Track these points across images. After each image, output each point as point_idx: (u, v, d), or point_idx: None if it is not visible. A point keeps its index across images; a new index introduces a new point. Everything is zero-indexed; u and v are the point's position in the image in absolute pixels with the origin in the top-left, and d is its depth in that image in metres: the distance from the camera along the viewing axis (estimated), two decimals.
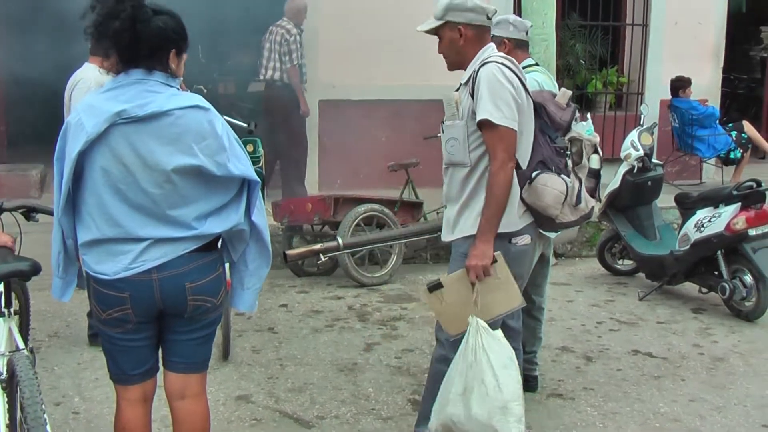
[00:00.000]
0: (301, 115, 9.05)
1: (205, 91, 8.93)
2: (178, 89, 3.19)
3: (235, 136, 3.26)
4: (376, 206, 7.53)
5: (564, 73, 10.45)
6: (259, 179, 3.33)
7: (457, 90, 3.96)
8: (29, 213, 4.38)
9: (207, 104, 3.20)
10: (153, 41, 3.09)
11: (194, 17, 9.09)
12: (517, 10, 8.50)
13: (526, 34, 4.96)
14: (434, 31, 3.98)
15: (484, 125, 3.76)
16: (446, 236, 4.06)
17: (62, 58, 7.14)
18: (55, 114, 6.16)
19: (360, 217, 7.37)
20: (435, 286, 3.90)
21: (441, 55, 4.03)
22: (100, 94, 3.16)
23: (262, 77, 9.11)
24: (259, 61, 9.14)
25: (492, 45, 4.00)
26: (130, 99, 3.07)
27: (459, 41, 3.92)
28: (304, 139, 9.26)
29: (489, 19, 3.97)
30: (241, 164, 3.21)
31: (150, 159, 3.07)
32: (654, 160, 7.51)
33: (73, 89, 5.45)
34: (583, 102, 10.55)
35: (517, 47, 4.82)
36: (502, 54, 4.00)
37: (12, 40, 9.86)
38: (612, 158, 7.91)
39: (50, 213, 4.09)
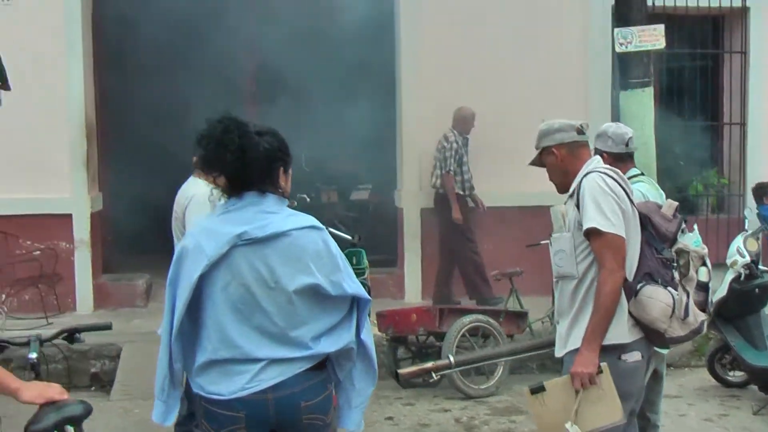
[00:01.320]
0: (455, 222, 9.20)
1: (308, 199, 9.30)
2: (290, 208, 3.30)
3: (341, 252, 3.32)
4: (481, 317, 7.52)
5: (664, 176, 10.36)
6: (369, 298, 3.41)
7: (565, 203, 4.04)
8: (72, 336, 4.11)
9: (321, 225, 3.29)
10: (262, 165, 3.19)
11: (297, 127, 9.52)
12: (616, 114, 8.54)
13: (626, 145, 4.98)
14: (539, 162, 4.14)
15: (592, 234, 3.81)
16: (559, 351, 4.06)
17: (165, 170, 7.50)
18: (160, 225, 6.42)
19: (465, 328, 7.35)
20: (538, 389, 3.91)
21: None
22: (215, 217, 3.28)
23: (431, 185, 9.40)
24: None
25: (597, 158, 4.12)
26: (248, 221, 3.17)
27: (557, 162, 4.05)
28: (457, 245, 9.36)
29: (581, 133, 4.07)
30: (354, 283, 3.29)
31: (271, 279, 3.16)
32: (761, 267, 7.27)
33: (188, 204, 5.60)
34: (685, 205, 10.38)
35: (617, 160, 4.84)
36: (606, 165, 4.07)
37: (116, 152, 10.41)
38: (716, 264, 7.74)
39: (97, 329, 4.15)
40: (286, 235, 3.18)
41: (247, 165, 3.16)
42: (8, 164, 8.87)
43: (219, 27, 9.55)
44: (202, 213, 5.30)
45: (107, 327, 4.33)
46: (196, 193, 5.57)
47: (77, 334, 4.08)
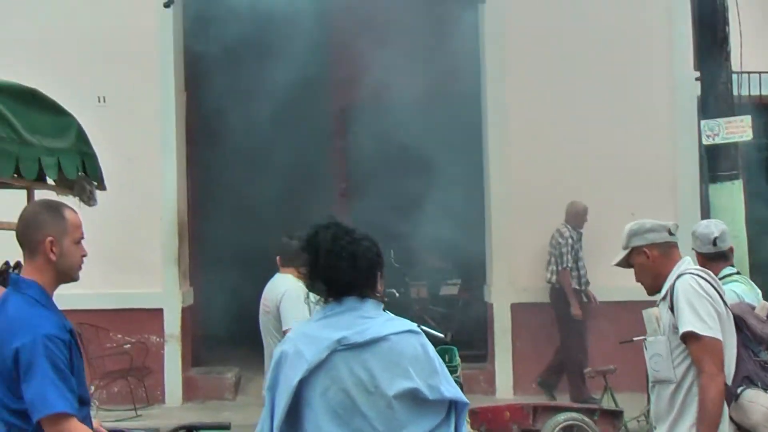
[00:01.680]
0: (574, 318, 9.14)
1: (397, 295, 9.29)
2: (386, 312, 3.30)
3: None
4: (575, 415, 7.33)
5: (758, 271, 10.05)
6: (467, 401, 3.35)
7: (657, 305, 3.96)
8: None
9: (418, 329, 3.27)
10: (366, 271, 3.21)
11: (386, 223, 9.57)
12: (706, 208, 8.37)
13: (714, 245, 4.83)
14: (625, 263, 4.07)
15: (688, 338, 3.72)
16: None
17: (253, 266, 7.60)
18: (248, 319, 6.50)
19: (559, 427, 7.16)
20: None
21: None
22: (314, 322, 3.28)
23: (546, 280, 9.36)
24: None
25: (687, 259, 4.03)
26: (348, 326, 3.16)
27: (648, 263, 3.98)
28: (577, 342, 9.29)
29: (672, 234, 4.01)
30: (451, 386, 3.23)
31: (371, 384, 3.13)
32: None
33: (282, 299, 5.74)
34: None
35: (708, 260, 4.72)
36: (697, 267, 4.01)
37: (206, 247, 10.62)
38: None
39: (216, 428, 4.17)
40: (385, 340, 3.17)
41: (353, 272, 3.18)
42: (101, 260, 8.99)
43: (308, 126, 9.77)
44: (297, 307, 5.51)
45: (226, 427, 4.34)
46: (288, 288, 5.71)
47: (194, 431, 4.20)
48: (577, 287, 9.25)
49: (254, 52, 9.57)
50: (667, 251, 3.99)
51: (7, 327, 3.14)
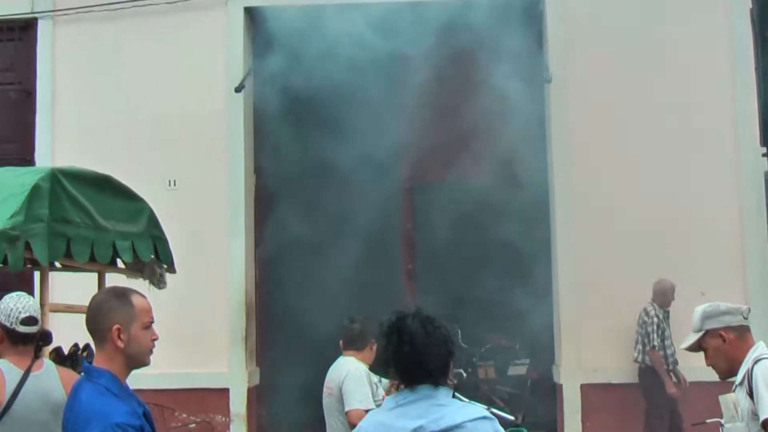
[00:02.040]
0: (670, 398, 8.97)
1: (464, 375, 9.19)
2: (458, 398, 3.31)
3: None
4: None
5: None
6: None
7: (733, 391, 3.87)
8: None
9: (491, 415, 3.28)
10: (443, 360, 3.24)
11: (453, 302, 9.50)
12: None
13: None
14: (697, 346, 4.00)
15: None
16: None
17: (320, 347, 7.60)
18: (314, 401, 6.50)
19: None
20: None
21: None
22: (388, 411, 3.27)
23: (633, 359, 9.25)
24: None
25: (761, 343, 3.95)
26: (422, 414, 3.15)
27: (724, 347, 3.90)
28: (656, 425, 9.11)
29: (745, 317, 3.94)
30: None
31: None
32: None
33: (344, 380, 5.83)
34: None
35: None
36: None
37: (273, 327, 10.66)
38: None
39: None
40: (460, 428, 3.15)
41: (431, 361, 3.21)
42: (167, 340, 9.13)
43: (376, 206, 9.82)
44: (359, 389, 5.74)
45: None
46: (350, 370, 5.87)
47: None
48: (666, 367, 9.05)
49: (322, 133, 9.73)
50: (743, 335, 3.93)
51: (80, 416, 3.18)
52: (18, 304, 4.44)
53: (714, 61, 9.71)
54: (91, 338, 3.34)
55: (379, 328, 3.32)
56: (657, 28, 9.58)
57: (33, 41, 10.01)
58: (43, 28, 9.97)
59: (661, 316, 9.13)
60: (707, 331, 3.95)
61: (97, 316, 3.29)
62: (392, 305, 8.15)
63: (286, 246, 11.13)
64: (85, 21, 9.88)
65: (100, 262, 5.42)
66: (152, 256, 5.99)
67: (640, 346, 9.13)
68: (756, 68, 7.85)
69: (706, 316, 3.96)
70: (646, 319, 9.12)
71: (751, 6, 7.44)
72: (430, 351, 3.19)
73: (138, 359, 3.33)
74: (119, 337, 3.25)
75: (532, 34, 9.99)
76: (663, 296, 9.18)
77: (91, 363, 3.40)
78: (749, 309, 4.04)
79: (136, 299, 3.34)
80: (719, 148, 9.65)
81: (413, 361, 3.19)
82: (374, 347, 5.92)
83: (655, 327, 9.07)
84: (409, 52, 10.07)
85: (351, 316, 6.21)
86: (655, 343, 9.03)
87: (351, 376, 5.79)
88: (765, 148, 7.88)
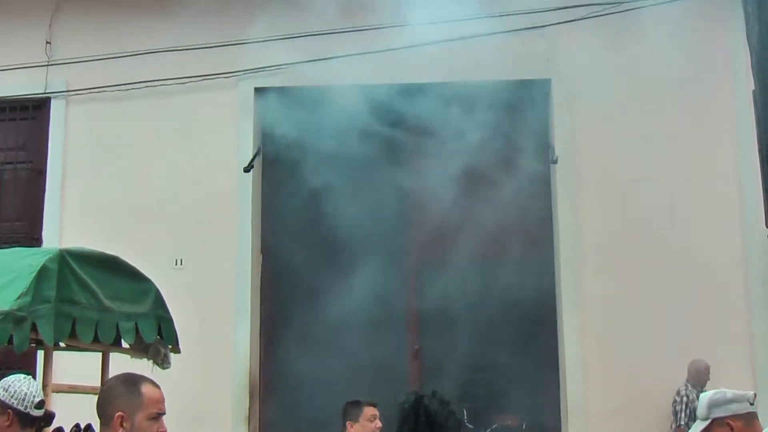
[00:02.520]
0: None
1: None
2: None
3: None
4: None
5: None
6: None
7: None
8: None
9: None
10: None
11: (460, 381, 9.42)
12: None
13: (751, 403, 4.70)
14: None
15: None
16: None
17: (325, 427, 7.51)
18: None
19: None
20: None
21: None
22: None
23: None
24: None
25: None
26: None
27: None
28: None
29: (752, 404, 3.89)
30: None
31: None
32: None
33: None
34: None
35: None
36: None
37: (277, 406, 10.55)
38: None
39: None
40: None
41: None
42: (171, 419, 9.07)
43: (382, 287, 9.82)
44: None
45: None
46: None
47: None
48: None
49: (329, 212, 9.78)
50: (750, 422, 3.86)
51: None
52: (30, 388, 4.44)
53: (718, 142, 9.79)
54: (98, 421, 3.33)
55: (397, 406, 3.38)
56: (662, 111, 9.71)
57: (46, 120, 10.16)
58: (56, 108, 10.14)
59: (691, 396, 9.03)
60: (714, 420, 3.89)
61: (103, 401, 3.27)
62: (398, 385, 8.16)
63: (291, 326, 11.11)
64: (98, 101, 10.05)
65: (103, 342, 5.44)
66: (157, 336, 5.99)
67: (672, 424, 9.10)
68: (759, 149, 7.95)
69: (713, 405, 3.89)
70: (676, 398, 9.09)
71: (753, 88, 7.56)
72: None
73: None
74: (122, 425, 3.21)
75: (539, 116, 10.12)
76: (697, 376, 9.11)
77: None
78: (755, 395, 3.98)
79: (146, 388, 3.28)
80: (724, 230, 9.64)
81: None
82: (352, 427, 5.94)
83: (683, 406, 9.02)
84: (416, 133, 10.21)
85: (354, 400, 6.21)
86: (682, 423, 8.96)
87: None
88: None
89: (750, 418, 3.86)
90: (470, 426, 10.22)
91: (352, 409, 6.06)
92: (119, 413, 3.22)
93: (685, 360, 9.18)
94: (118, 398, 3.26)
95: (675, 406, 9.09)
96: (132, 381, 3.33)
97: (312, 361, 10.33)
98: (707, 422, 3.90)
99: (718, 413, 3.87)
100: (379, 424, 6.02)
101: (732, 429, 3.83)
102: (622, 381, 9.33)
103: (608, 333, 9.48)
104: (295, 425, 10.36)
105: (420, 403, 3.31)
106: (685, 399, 9.03)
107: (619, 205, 9.70)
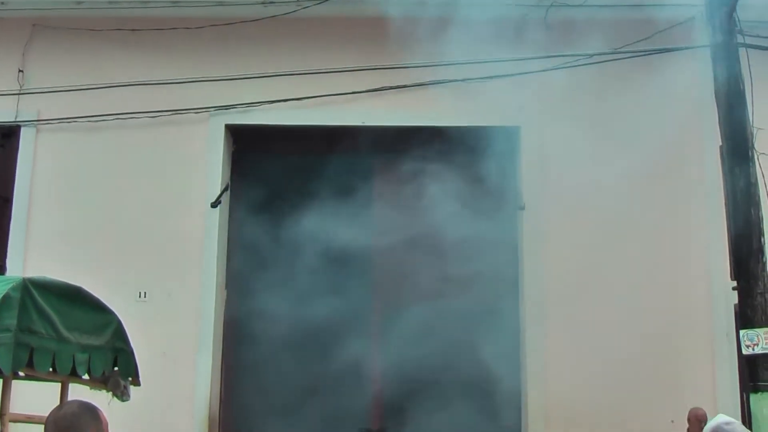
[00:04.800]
0: None
1: None
2: None
3: None
4: None
5: None
6: None
7: None
8: None
9: None
10: None
11: (423, 415, 9.29)
12: (747, 419, 8.14)
13: None
14: None
15: None
16: None
17: None
18: None
19: None
20: None
21: None
22: None
23: None
24: None
25: None
26: None
27: None
28: None
29: None
30: None
31: None
32: None
33: None
34: None
35: None
36: None
37: None
38: None
39: None
40: None
41: None
42: None
43: (345, 330, 9.79)
44: None
45: None
46: None
47: None
48: None
49: (296, 254, 9.78)
50: None
51: None
52: None
53: (687, 196, 9.93)
54: None
55: None
56: (631, 164, 9.83)
57: (15, 149, 10.10)
58: (25, 136, 10.09)
59: None
60: None
61: (69, 429, 3.25)
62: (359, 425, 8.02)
63: (253, 363, 11.05)
64: (68, 131, 10.04)
65: (59, 373, 5.40)
66: (115, 369, 5.95)
67: None
68: (726, 204, 8.10)
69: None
70: None
71: (720, 143, 7.72)
72: None
73: None
74: None
75: (507, 162, 10.23)
76: (697, 424, 9.08)
77: None
78: None
79: (102, 416, 3.34)
80: (691, 282, 9.75)
81: None
82: None
83: None
84: (385, 174, 10.29)
85: None
86: None
87: None
88: (735, 282, 8.07)
89: None
90: None
91: None
92: None
93: (648, 408, 9.23)
94: (87, 426, 3.26)
95: None
96: (92, 408, 3.36)
97: (273, 399, 10.28)
98: None
99: None
100: None
101: None
102: (582, 427, 9.34)
103: (572, 382, 9.49)
104: None
105: None
106: None
107: (585, 253, 9.78)
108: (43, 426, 5.13)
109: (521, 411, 9.86)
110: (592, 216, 9.79)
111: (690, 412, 9.14)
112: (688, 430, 9.13)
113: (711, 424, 3.99)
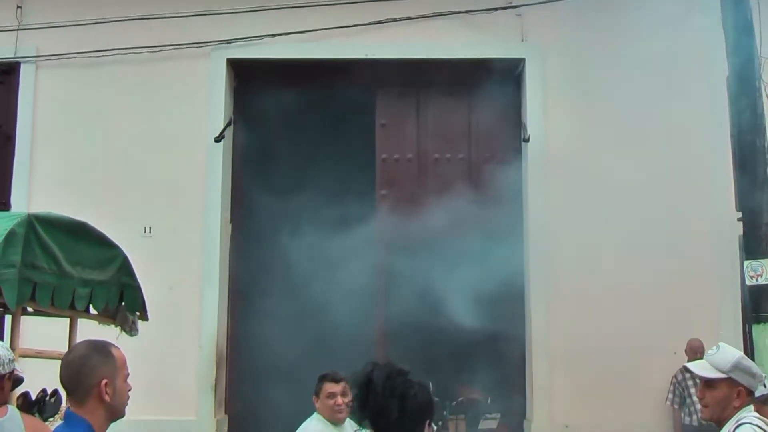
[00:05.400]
0: None
1: (435, 428, 9.08)
2: None
3: None
4: None
5: None
6: None
7: None
8: None
9: None
10: (415, 415, 3.22)
11: (425, 355, 9.46)
12: (749, 350, 8.20)
13: (765, 386, 4.73)
14: (708, 383, 3.92)
15: None
16: None
17: (291, 397, 7.53)
18: None
19: None
20: None
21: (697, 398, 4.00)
22: None
23: None
24: None
25: (751, 406, 3.88)
26: None
27: (734, 401, 3.84)
28: None
29: (765, 387, 3.92)
30: None
31: None
32: None
33: None
34: None
35: (761, 403, 4.56)
36: (756, 415, 3.85)
37: (243, 376, 10.61)
38: None
39: None
40: None
41: (401, 413, 3.20)
42: (137, 386, 9.07)
43: (350, 265, 9.82)
44: None
45: None
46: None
47: None
48: (696, 424, 9.07)
49: (299, 184, 9.77)
50: (752, 401, 3.88)
51: None
52: (2, 349, 4.44)
53: (691, 124, 9.86)
54: (67, 393, 3.28)
55: (355, 376, 3.30)
56: (634, 92, 9.77)
57: (15, 85, 10.04)
58: (25, 73, 10.02)
59: (680, 378, 9.22)
60: (731, 379, 3.84)
61: (80, 373, 3.23)
62: (365, 356, 8.11)
63: (259, 296, 11.13)
64: (68, 67, 9.96)
65: (58, 308, 5.43)
66: (122, 304, 5.99)
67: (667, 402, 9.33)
68: (731, 135, 8.07)
69: (740, 368, 3.86)
70: (672, 379, 9.28)
71: (727, 74, 7.62)
72: (400, 402, 3.19)
73: (119, 411, 3.30)
74: (106, 392, 3.22)
75: (511, 94, 10.18)
76: (692, 355, 9.07)
77: (69, 410, 3.35)
78: (765, 376, 4.01)
79: (115, 352, 3.32)
80: (695, 211, 9.72)
81: (384, 410, 3.19)
82: (316, 402, 5.76)
83: (673, 387, 9.25)
84: (388, 107, 10.22)
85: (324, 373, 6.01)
86: (668, 401, 9.22)
87: None
88: (740, 213, 8.07)
89: (755, 401, 3.90)
90: (436, 399, 10.28)
91: (317, 382, 5.87)
92: (104, 380, 3.22)
93: (653, 338, 9.30)
94: (97, 366, 3.24)
95: (669, 385, 9.27)
96: (103, 347, 3.34)
97: (279, 330, 10.38)
98: (722, 376, 3.86)
99: (738, 377, 3.84)
100: (339, 401, 5.78)
101: (738, 396, 3.82)
102: (587, 358, 9.42)
103: (575, 310, 9.56)
104: (260, 394, 10.41)
105: (371, 371, 3.26)
106: (673, 379, 9.21)
107: (590, 183, 9.76)
108: (51, 360, 5.18)
109: (525, 331, 9.95)
110: (596, 146, 9.76)
111: (687, 344, 9.23)
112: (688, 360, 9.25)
113: (729, 357, 3.92)
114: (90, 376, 3.22)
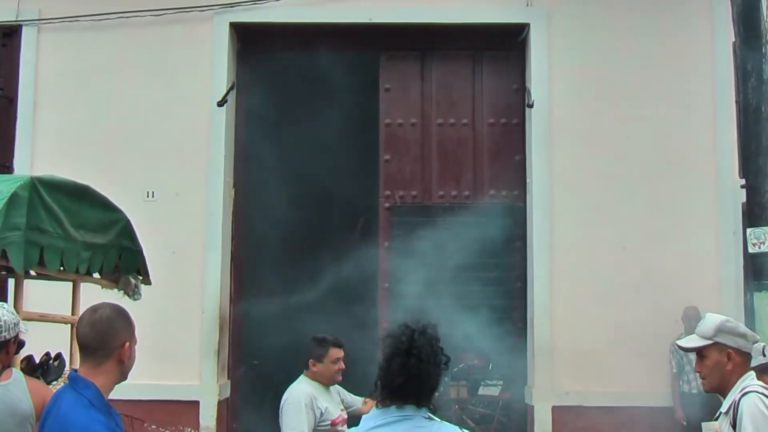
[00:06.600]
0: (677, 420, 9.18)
1: (436, 394, 9.14)
2: (433, 419, 3.29)
3: None
4: None
5: None
6: None
7: (716, 419, 3.86)
8: None
9: None
10: (434, 379, 3.24)
11: (428, 319, 9.45)
12: (750, 316, 8.22)
13: (764, 355, 4.76)
14: (698, 350, 3.92)
15: None
16: None
17: (292, 362, 7.54)
18: None
19: None
20: None
21: (698, 374, 3.99)
22: (368, 430, 3.27)
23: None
24: None
25: (752, 373, 3.88)
26: None
27: (726, 365, 3.83)
28: None
29: (765, 356, 3.92)
30: None
31: None
32: None
33: (282, 408, 5.67)
34: None
35: (760, 372, 4.54)
36: (761, 383, 3.86)
37: (246, 341, 10.66)
38: None
39: None
40: None
41: (429, 379, 3.24)
42: (139, 350, 9.13)
43: (353, 226, 9.85)
44: (292, 417, 5.51)
45: None
46: (288, 398, 5.66)
47: None
48: (695, 391, 9.10)
49: (302, 148, 9.74)
50: (747, 362, 3.86)
51: (59, 425, 3.19)
52: (8, 313, 4.45)
53: (695, 89, 9.82)
54: (85, 352, 3.30)
55: (384, 340, 3.29)
56: (638, 58, 9.72)
57: (17, 48, 9.98)
58: (27, 36, 9.96)
59: None
60: (717, 343, 3.85)
61: (106, 334, 3.28)
62: (366, 323, 8.14)
63: (262, 261, 11.16)
64: (70, 30, 9.89)
65: (67, 272, 5.44)
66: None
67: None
68: (736, 101, 8.01)
69: (723, 330, 3.84)
70: (671, 347, 9.29)
71: (733, 39, 7.56)
72: (432, 370, 3.21)
73: (126, 375, 3.37)
74: (127, 355, 3.31)
75: (515, 60, 10.13)
76: (688, 323, 9.18)
77: (74, 372, 3.37)
78: (758, 339, 4.00)
79: (131, 317, 3.41)
80: (698, 178, 9.71)
81: (415, 377, 3.19)
82: (315, 366, 5.78)
83: (671, 356, 9.29)
84: (392, 71, 10.17)
85: (314, 335, 5.96)
86: (673, 369, 9.25)
87: (286, 403, 5.61)
88: (743, 180, 8.05)
89: (748, 359, 3.87)
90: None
91: (317, 347, 5.81)
92: (127, 343, 3.31)
93: (654, 305, 9.33)
94: (122, 329, 3.32)
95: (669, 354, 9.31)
96: (123, 311, 3.40)
97: (282, 296, 10.41)
98: (708, 342, 3.86)
99: (724, 340, 3.83)
100: (342, 366, 5.81)
101: (729, 359, 3.82)
102: (589, 325, 9.48)
103: (576, 278, 9.58)
104: (263, 359, 10.48)
105: (411, 337, 3.24)
106: (671, 348, 9.23)
107: (594, 149, 9.75)
108: (55, 323, 5.18)
109: (527, 298, 9.96)
110: (599, 112, 9.74)
111: (683, 311, 9.26)
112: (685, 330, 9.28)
113: (711, 323, 3.91)
114: (115, 338, 3.28)
